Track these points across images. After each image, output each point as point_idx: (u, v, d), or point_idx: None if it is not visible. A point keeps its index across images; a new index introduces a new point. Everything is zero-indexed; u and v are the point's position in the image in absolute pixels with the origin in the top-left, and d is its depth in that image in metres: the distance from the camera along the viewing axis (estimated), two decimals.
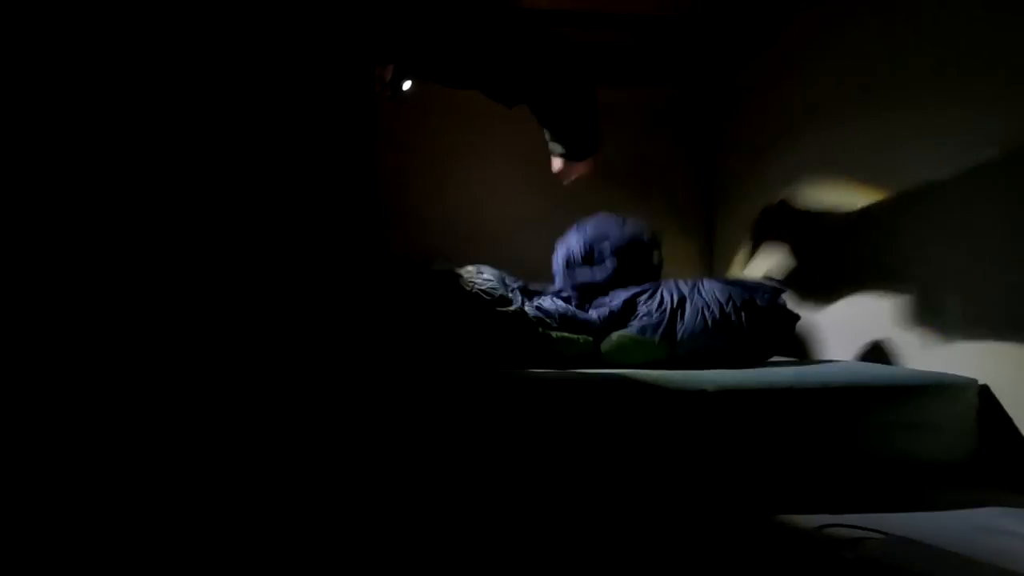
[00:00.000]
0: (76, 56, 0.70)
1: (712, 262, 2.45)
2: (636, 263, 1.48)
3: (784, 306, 1.38)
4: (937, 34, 1.31)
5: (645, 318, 1.31)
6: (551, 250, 1.61)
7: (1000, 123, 1.16)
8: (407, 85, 1.14)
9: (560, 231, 1.65)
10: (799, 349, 1.67)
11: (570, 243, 1.53)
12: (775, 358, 1.44)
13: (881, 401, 1.12)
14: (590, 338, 1.32)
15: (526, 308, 1.34)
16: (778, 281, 1.51)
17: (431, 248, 2.13)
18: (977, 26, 1.22)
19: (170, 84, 0.72)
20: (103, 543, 0.69)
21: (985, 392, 1.16)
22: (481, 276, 1.40)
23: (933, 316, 1.32)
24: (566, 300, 1.43)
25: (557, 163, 1.32)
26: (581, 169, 1.33)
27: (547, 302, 1.38)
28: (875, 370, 1.25)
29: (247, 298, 0.74)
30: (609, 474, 1.05)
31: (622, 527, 0.93)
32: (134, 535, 0.70)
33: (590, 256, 1.49)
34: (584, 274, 1.47)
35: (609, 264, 1.46)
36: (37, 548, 0.68)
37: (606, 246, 1.48)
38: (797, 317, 1.39)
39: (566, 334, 1.31)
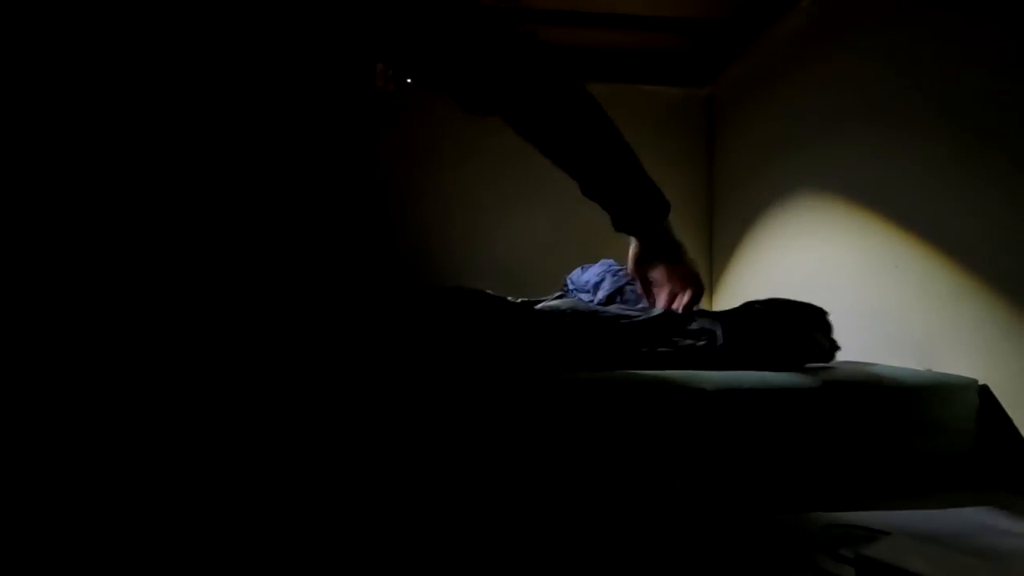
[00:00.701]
0: (75, 57, 0.70)
1: (712, 263, 2.46)
2: None
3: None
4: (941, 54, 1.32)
5: None
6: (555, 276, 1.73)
7: (1002, 140, 1.16)
8: (410, 79, 1.11)
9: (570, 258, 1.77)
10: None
11: (590, 276, 1.64)
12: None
13: (881, 401, 1.12)
14: None
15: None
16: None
17: (433, 275, 2.16)
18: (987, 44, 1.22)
19: (169, 84, 0.72)
20: (103, 543, 0.69)
21: (985, 392, 1.16)
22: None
23: (933, 315, 1.32)
24: None
25: (631, 251, 1.01)
26: (672, 276, 1.01)
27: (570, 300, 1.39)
28: (874, 370, 1.25)
29: (246, 301, 0.74)
30: (607, 474, 1.05)
31: (620, 527, 0.93)
32: (133, 536, 0.70)
33: (614, 295, 1.60)
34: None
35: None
36: (37, 548, 0.68)
37: (629, 290, 1.58)
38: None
39: None
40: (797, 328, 1.21)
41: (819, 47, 1.74)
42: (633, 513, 0.99)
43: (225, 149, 0.73)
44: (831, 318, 1.32)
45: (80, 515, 0.69)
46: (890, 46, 1.45)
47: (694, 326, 1.17)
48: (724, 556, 0.83)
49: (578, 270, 1.77)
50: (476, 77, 0.87)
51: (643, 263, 1.03)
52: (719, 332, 1.14)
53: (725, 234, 2.36)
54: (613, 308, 1.34)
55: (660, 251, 1.01)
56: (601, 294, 1.58)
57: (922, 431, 1.12)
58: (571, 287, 1.75)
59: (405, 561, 0.81)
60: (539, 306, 1.32)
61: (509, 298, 1.28)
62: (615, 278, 1.60)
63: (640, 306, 1.27)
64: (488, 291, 1.25)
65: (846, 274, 1.61)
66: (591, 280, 1.64)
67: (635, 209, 0.95)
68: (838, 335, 1.31)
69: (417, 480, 1.00)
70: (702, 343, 1.12)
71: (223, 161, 0.73)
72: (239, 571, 0.71)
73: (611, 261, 1.72)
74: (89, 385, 0.70)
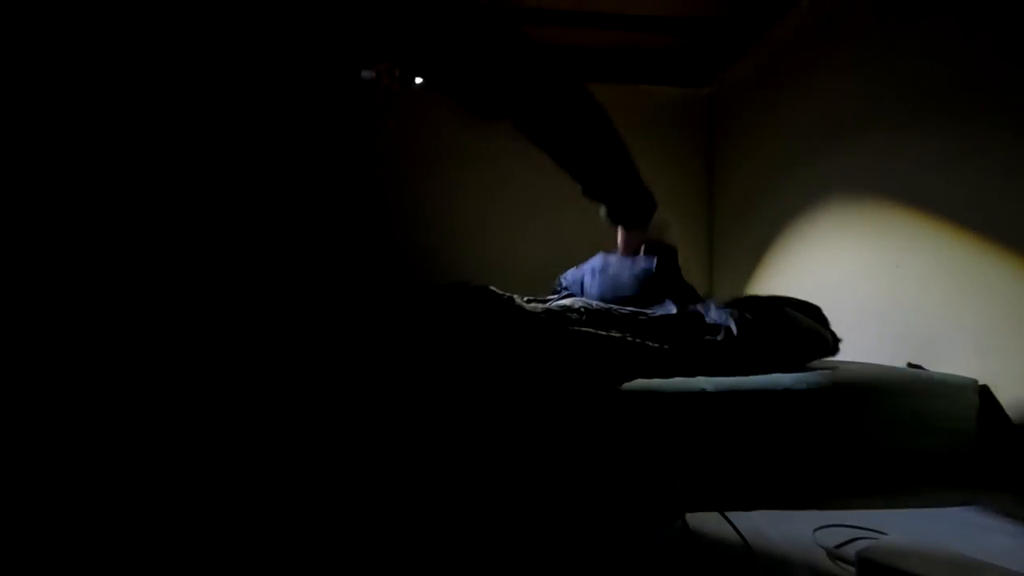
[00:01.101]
0: (75, 59, 0.70)
1: (712, 260, 2.46)
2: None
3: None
4: (944, 56, 1.32)
5: None
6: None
7: (1005, 141, 1.16)
8: (419, 80, 1.12)
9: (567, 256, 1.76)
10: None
11: (584, 270, 1.59)
12: None
13: (881, 401, 1.12)
14: None
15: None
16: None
17: (433, 274, 2.16)
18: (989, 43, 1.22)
19: (168, 85, 0.72)
20: (103, 543, 0.69)
21: (985, 392, 1.16)
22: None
23: (933, 315, 1.32)
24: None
25: (619, 237, 1.20)
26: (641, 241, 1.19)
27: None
28: (875, 370, 1.25)
29: (246, 301, 0.74)
30: (606, 475, 1.05)
31: (618, 528, 0.93)
32: (134, 535, 0.70)
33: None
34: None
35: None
36: (37, 548, 0.68)
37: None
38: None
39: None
40: (804, 323, 1.22)
41: (819, 47, 1.74)
42: (630, 513, 0.99)
43: (224, 149, 0.73)
44: (831, 318, 1.32)
45: (80, 514, 0.69)
46: (891, 45, 1.45)
47: (708, 321, 1.18)
48: (724, 555, 0.83)
49: (573, 270, 1.76)
50: (486, 80, 0.91)
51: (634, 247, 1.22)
52: (734, 326, 1.15)
53: (724, 231, 2.36)
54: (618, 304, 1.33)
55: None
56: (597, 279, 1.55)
57: (923, 431, 1.12)
58: (564, 287, 1.74)
59: (404, 561, 0.81)
60: (550, 305, 1.31)
61: (516, 296, 1.27)
62: (605, 265, 1.58)
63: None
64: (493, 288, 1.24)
65: (847, 274, 1.61)
66: (586, 276, 1.62)
67: (631, 208, 1.10)
68: (838, 335, 1.32)
69: (419, 479, 1.00)
70: (720, 338, 1.14)
71: (222, 161, 0.73)
72: (239, 571, 0.71)
73: (601, 253, 1.70)
74: (89, 384, 0.70)
